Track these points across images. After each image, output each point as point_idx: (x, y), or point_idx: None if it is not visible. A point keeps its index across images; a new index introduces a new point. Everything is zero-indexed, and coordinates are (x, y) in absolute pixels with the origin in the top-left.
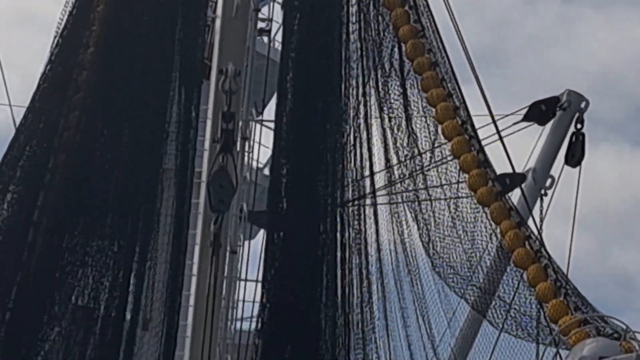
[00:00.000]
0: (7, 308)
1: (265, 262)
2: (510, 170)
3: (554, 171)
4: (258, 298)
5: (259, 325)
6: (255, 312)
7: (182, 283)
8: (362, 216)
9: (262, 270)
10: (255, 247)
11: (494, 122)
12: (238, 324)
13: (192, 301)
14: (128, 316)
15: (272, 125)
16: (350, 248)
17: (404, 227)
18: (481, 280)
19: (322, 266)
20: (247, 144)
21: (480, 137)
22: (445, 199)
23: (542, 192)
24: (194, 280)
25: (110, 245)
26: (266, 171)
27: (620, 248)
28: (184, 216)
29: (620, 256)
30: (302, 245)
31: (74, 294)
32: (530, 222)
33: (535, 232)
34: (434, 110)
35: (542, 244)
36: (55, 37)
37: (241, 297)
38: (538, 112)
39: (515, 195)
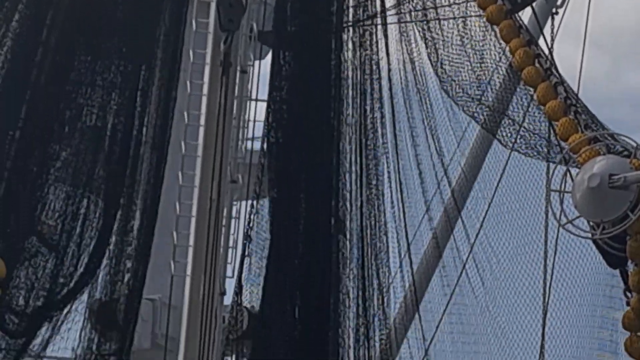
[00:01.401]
0: (17, 126)
1: (271, 81)
2: None
3: None
4: None
5: (266, 144)
6: None
7: (174, 102)
8: (372, 36)
9: (268, 90)
10: (265, 67)
11: None
12: (248, 144)
13: (202, 121)
14: (134, 133)
15: None
16: (359, 68)
17: (413, 46)
18: (491, 100)
19: (331, 86)
20: None
21: None
22: (454, 18)
23: (554, 10)
24: (204, 99)
25: (118, 65)
26: None
27: (633, 68)
28: (179, 35)
29: (632, 76)
30: (310, 64)
31: (83, 114)
32: (541, 42)
33: (546, 51)
34: None
35: (552, 62)
36: None
37: (251, 117)
38: None
39: (525, 15)
